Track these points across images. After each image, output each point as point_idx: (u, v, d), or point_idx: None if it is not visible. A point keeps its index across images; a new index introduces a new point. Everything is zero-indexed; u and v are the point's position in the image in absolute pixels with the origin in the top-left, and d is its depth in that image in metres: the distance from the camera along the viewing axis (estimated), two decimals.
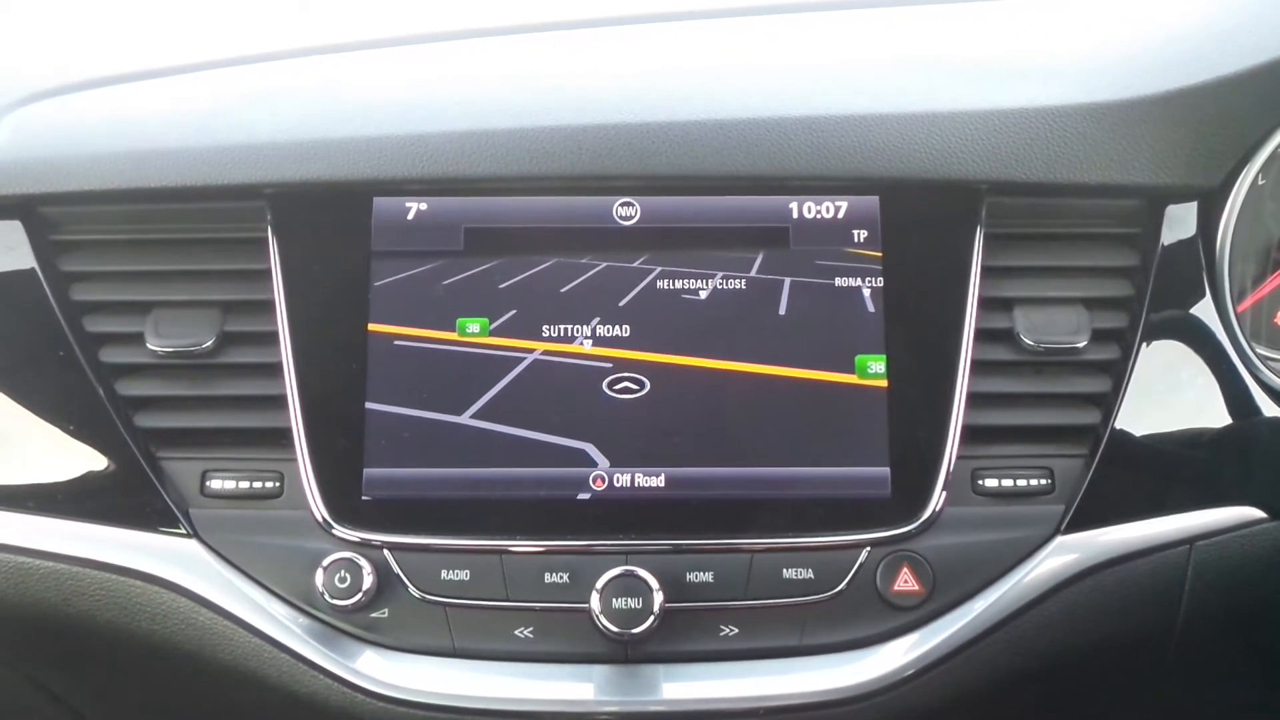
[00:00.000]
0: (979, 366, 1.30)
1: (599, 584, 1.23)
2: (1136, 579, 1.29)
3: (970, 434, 1.29)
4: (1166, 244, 1.34)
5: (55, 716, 1.49)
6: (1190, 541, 1.29)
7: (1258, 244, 1.38)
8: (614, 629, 1.22)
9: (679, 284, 1.33)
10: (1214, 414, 1.33)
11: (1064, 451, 1.31)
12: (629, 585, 1.23)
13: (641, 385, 1.31)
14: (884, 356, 1.30)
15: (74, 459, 1.31)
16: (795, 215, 1.34)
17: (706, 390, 1.30)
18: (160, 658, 1.31)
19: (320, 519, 1.27)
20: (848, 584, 1.26)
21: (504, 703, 1.26)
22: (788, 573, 1.27)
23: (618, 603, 1.23)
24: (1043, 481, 1.30)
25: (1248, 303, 1.38)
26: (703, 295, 1.32)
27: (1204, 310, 1.34)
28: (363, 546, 1.27)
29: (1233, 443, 1.33)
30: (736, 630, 1.27)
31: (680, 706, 1.26)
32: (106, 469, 1.31)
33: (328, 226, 1.34)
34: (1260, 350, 1.35)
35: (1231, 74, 1.32)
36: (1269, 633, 1.36)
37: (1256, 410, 1.33)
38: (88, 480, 1.31)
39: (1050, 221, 1.36)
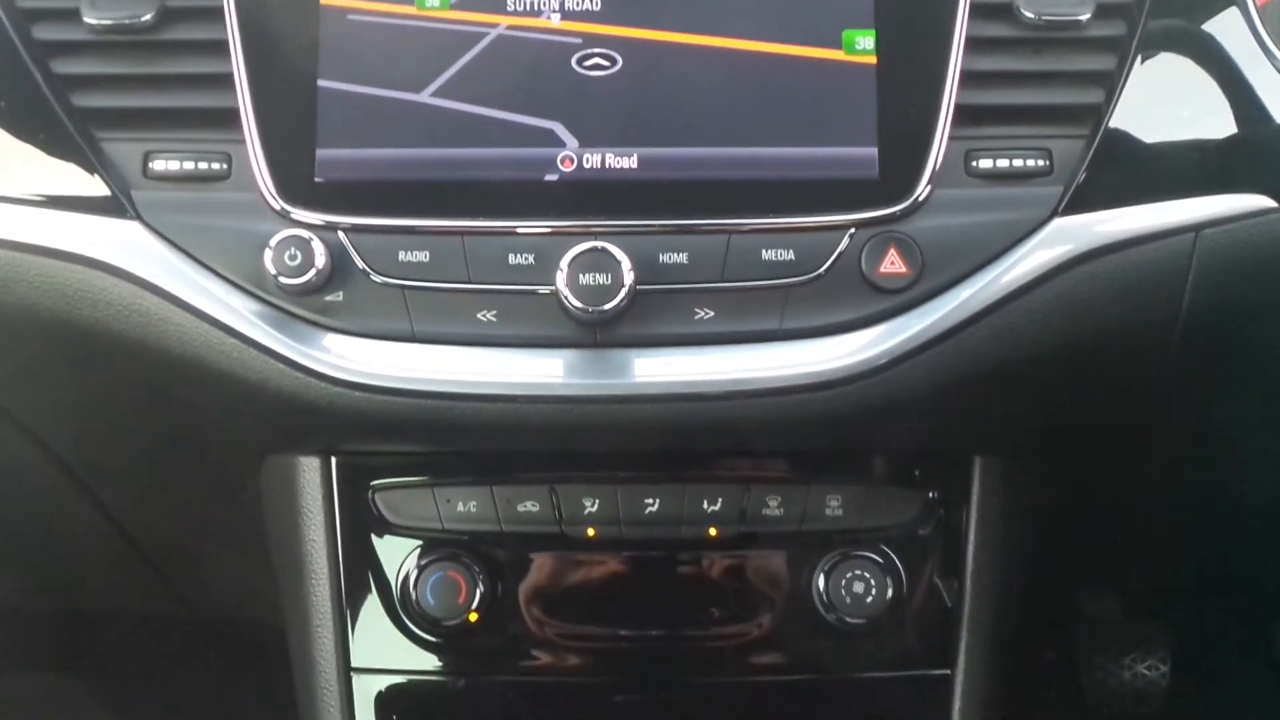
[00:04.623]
0: (974, 43, 1.22)
1: (565, 260, 1.16)
2: (1138, 267, 1.21)
3: (964, 114, 1.21)
4: None
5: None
6: (1196, 229, 1.21)
7: None
8: (580, 305, 1.15)
9: None
10: (1226, 97, 1.25)
11: (1063, 132, 1.22)
12: (597, 261, 1.16)
13: (613, 61, 1.22)
14: (873, 31, 1.22)
15: (7, 142, 1.23)
16: None
17: (682, 67, 1.22)
18: (104, 350, 1.24)
19: (270, 200, 1.20)
20: (831, 266, 1.19)
21: (465, 385, 1.20)
22: (767, 254, 1.19)
23: (585, 278, 1.15)
24: (1040, 163, 1.21)
25: None
26: None
27: None
28: (315, 228, 1.19)
29: (1245, 127, 1.25)
30: (712, 313, 1.19)
31: (653, 389, 1.20)
32: (42, 151, 1.23)
33: None
34: None
35: None
36: (1272, 328, 1.29)
37: (1271, 95, 1.24)
38: (22, 163, 1.23)
39: None
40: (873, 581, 1.33)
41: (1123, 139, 1.22)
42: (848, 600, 1.33)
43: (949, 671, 1.38)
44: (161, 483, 1.55)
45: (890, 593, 1.34)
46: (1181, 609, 2.21)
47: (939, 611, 1.38)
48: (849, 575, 1.33)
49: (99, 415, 1.43)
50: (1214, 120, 1.25)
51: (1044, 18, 1.22)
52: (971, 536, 1.37)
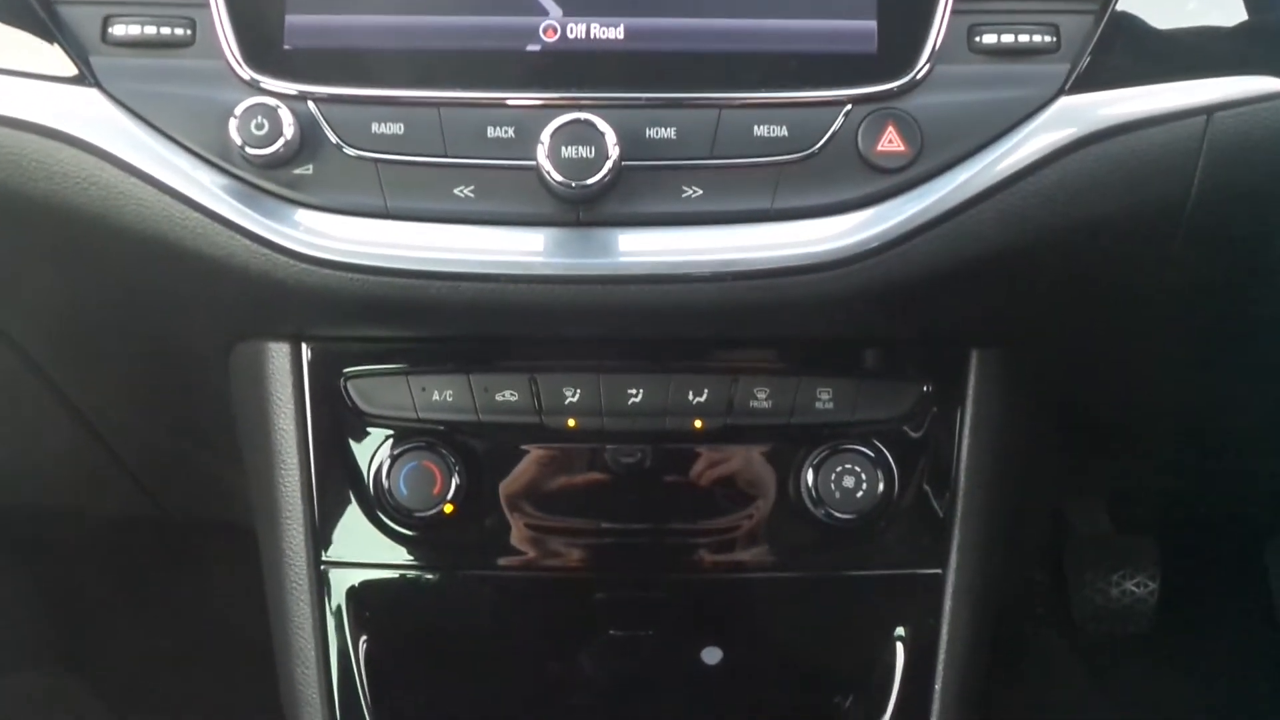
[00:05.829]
0: None
1: (547, 133, 1.10)
2: (1147, 150, 1.16)
3: None
4: None
5: None
6: (1207, 112, 1.16)
7: None
8: (562, 179, 1.09)
9: None
10: None
11: (1071, 7, 1.16)
12: (580, 133, 1.10)
13: None
14: None
15: None
16: None
17: None
18: (61, 227, 1.18)
19: (236, 68, 1.14)
20: (826, 143, 1.14)
21: (441, 263, 1.14)
22: (759, 130, 1.14)
23: (567, 151, 1.10)
24: (1047, 39, 1.16)
25: None
26: None
27: None
28: (284, 98, 1.13)
29: (1260, 10, 1.18)
30: (701, 191, 1.14)
31: (637, 269, 1.15)
32: None
33: None
34: None
35: None
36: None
37: None
38: None
39: None
40: (863, 476, 1.29)
41: (1133, 16, 1.16)
42: (837, 495, 1.29)
43: (940, 570, 1.35)
44: (130, 376, 1.50)
45: (881, 488, 1.30)
46: (1171, 526, 2.18)
47: (930, 509, 1.34)
48: (839, 469, 1.29)
49: (64, 304, 1.37)
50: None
51: None
52: (965, 432, 1.33)
